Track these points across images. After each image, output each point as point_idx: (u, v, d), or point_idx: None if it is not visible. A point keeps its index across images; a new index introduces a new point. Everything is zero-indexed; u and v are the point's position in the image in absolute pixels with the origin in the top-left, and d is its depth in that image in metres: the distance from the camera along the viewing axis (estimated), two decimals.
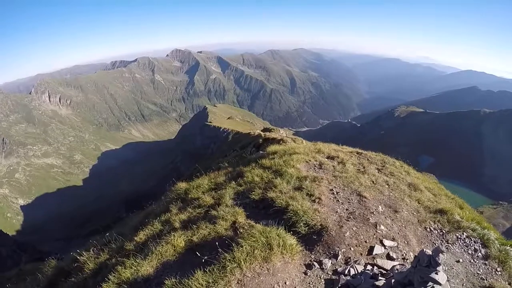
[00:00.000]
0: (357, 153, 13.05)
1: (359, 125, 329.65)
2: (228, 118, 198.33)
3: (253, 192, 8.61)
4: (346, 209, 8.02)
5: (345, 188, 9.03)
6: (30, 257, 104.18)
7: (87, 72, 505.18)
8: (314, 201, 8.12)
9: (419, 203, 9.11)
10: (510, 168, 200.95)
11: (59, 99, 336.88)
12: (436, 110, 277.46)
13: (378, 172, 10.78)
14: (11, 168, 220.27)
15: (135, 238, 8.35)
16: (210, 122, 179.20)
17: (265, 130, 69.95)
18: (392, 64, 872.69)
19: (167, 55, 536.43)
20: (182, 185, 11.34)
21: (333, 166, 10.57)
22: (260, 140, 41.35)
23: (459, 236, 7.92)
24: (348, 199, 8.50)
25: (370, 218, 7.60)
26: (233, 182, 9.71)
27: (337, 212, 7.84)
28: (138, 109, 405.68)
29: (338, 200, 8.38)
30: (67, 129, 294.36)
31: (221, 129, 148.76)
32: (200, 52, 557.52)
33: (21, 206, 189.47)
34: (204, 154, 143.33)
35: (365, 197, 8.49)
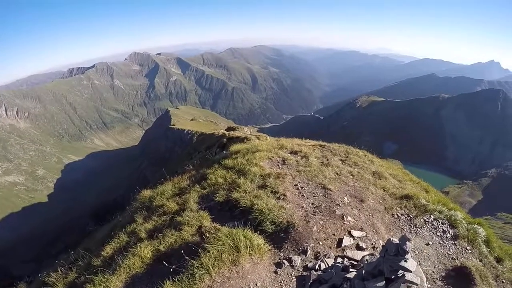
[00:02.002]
0: (320, 146, 13.06)
1: (322, 118, 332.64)
2: (191, 119, 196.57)
3: (217, 194, 8.43)
4: (312, 204, 7.95)
5: (310, 182, 8.97)
6: (1, 281, 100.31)
7: (44, 82, 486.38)
8: (279, 198, 8.02)
9: (385, 191, 9.18)
10: (471, 149, 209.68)
11: (17, 112, 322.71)
12: (397, 98, 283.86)
13: (342, 164, 10.80)
14: None
15: (102, 253, 8.08)
16: (173, 125, 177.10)
17: (229, 129, 69.60)
18: (351, 56, 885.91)
19: (126, 59, 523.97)
20: (146, 193, 11.06)
21: (297, 161, 10.52)
22: (225, 140, 41.14)
23: (427, 220, 8.05)
24: (313, 193, 8.45)
25: (336, 210, 7.58)
26: (197, 186, 9.50)
27: (303, 207, 7.77)
28: (99, 117, 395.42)
29: (303, 195, 8.32)
30: (27, 143, 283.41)
31: (185, 131, 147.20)
32: (159, 54, 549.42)
33: None
34: (170, 158, 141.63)
35: (330, 190, 8.47)
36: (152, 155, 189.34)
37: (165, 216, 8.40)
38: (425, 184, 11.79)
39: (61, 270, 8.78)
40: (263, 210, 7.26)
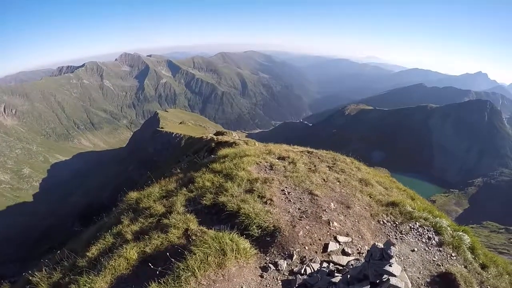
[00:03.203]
0: (308, 152, 13.17)
1: (311, 124, 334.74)
2: (180, 123, 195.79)
3: (204, 198, 8.46)
4: (299, 209, 8.02)
5: (297, 188, 9.04)
6: None
7: (32, 79, 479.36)
8: (265, 202, 8.08)
9: (371, 197, 9.30)
10: (458, 158, 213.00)
11: (4, 108, 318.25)
12: (385, 107, 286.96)
13: (329, 170, 10.91)
14: None
15: (87, 254, 8.02)
16: (162, 127, 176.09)
17: (217, 133, 69.26)
18: (342, 65, 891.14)
19: (116, 60, 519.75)
20: (133, 194, 11.00)
21: (284, 167, 10.59)
22: (213, 144, 40.98)
23: (412, 226, 8.19)
24: (300, 198, 8.52)
25: (322, 216, 7.66)
26: (184, 189, 9.51)
27: (289, 212, 7.83)
28: (87, 117, 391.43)
29: (290, 200, 8.38)
30: (13, 141, 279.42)
31: (173, 135, 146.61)
32: (150, 56, 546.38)
33: None
34: (158, 161, 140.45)
35: (317, 195, 8.55)
36: (140, 158, 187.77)
37: (151, 218, 8.37)
38: (411, 192, 11.98)
39: (45, 270, 8.67)
40: (250, 214, 7.30)
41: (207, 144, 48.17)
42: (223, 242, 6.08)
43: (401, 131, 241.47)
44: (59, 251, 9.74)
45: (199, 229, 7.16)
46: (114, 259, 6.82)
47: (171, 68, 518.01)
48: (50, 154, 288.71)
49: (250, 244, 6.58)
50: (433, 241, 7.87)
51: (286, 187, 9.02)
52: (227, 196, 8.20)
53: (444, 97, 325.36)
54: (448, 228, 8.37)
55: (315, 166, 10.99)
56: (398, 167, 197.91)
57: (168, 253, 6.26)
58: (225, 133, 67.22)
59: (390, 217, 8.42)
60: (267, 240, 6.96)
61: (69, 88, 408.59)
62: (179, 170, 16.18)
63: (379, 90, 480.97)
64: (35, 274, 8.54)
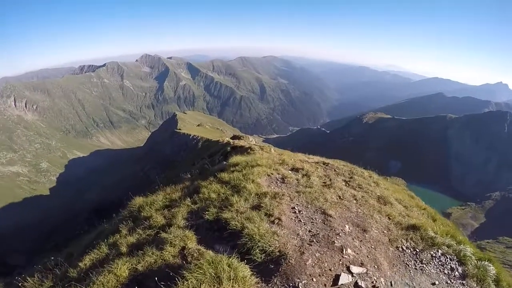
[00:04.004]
0: (324, 163, 12.33)
1: (328, 131, 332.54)
2: (198, 125, 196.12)
3: (207, 212, 7.75)
4: (309, 231, 7.14)
5: (309, 206, 8.22)
6: None
7: (54, 76, 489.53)
8: (273, 222, 7.27)
9: (390, 219, 8.45)
10: (476, 170, 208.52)
11: (25, 103, 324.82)
12: (404, 116, 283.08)
13: (346, 185, 10.08)
14: None
15: (80, 264, 7.54)
16: (180, 129, 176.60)
17: (234, 137, 68.95)
18: (361, 72, 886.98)
19: (137, 60, 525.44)
20: (137, 201, 10.46)
21: (297, 180, 9.81)
22: (228, 148, 40.45)
23: (434, 254, 7.30)
24: (312, 218, 7.67)
25: (335, 241, 6.77)
26: (188, 199, 8.85)
27: (298, 234, 6.96)
28: (107, 116, 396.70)
29: (300, 220, 7.54)
30: (33, 135, 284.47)
31: (190, 136, 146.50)
32: (170, 58, 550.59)
33: None
34: (174, 162, 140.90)
35: (331, 216, 7.71)
36: (157, 158, 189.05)
37: (150, 230, 7.79)
38: (431, 210, 11.14)
39: (37, 276, 8.33)
40: (254, 235, 6.49)
41: (223, 147, 47.73)
42: (220, 268, 5.30)
43: (419, 141, 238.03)
44: (52, 257, 9.21)
45: (196, 248, 6.45)
46: (104, 274, 6.27)
47: (191, 70, 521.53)
48: (68, 150, 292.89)
49: (251, 271, 5.70)
50: (456, 272, 6.98)
51: (297, 204, 8.22)
52: (231, 212, 7.48)
53: (463, 107, 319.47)
54: (473, 257, 7.45)
55: (330, 180, 10.17)
56: (415, 177, 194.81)
57: (160, 274, 5.74)
58: (241, 137, 66.80)
59: (410, 243, 7.52)
60: (270, 268, 6.09)
61: (89, 86, 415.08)
62: (189, 175, 15.53)
63: (398, 98, 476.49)
64: (28, 279, 8.15)
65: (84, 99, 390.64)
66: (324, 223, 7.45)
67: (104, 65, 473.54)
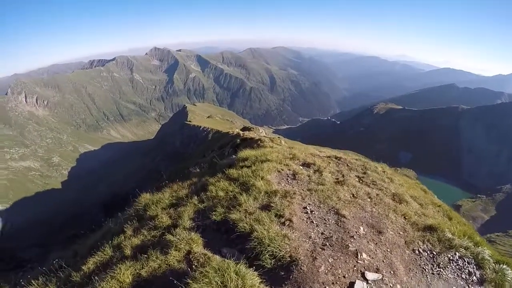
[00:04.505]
0: (336, 158, 11.86)
1: (338, 122, 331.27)
2: (208, 117, 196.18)
3: (214, 212, 7.39)
4: (322, 233, 6.69)
5: (321, 205, 7.75)
6: (7, 265, 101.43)
7: (64, 72, 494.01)
8: (283, 224, 6.82)
9: (406, 219, 7.99)
10: (487, 162, 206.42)
11: (36, 99, 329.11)
12: (415, 107, 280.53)
13: (359, 182, 9.61)
14: None
15: (83, 268, 7.38)
16: (190, 121, 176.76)
17: (244, 129, 68.74)
18: (371, 62, 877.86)
19: (146, 54, 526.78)
20: (143, 198, 10.18)
21: (309, 176, 9.35)
22: (238, 140, 40.16)
23: (451, 258, 6.85)
24: (324, 219, 7.21)
25: (350, 245, 6.30)
26: (195, 197, 8.50)
27: (310, 237, 6.53)
28: (117, 109, 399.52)
29: (313, 221, 7.08)
30: (45, 130, 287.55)
31: (200, 128, 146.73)
32: (179, 50, 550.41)
33: None
34: (184, 154, 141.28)
35: (344, 216, 7.25)
36: (167, 150, 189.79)
37: (155, 231, 7.51)
38: (447, 207, 10.74)
39: (41, 280, 8.17)
40: (263, 239, 6.06)
41: (232, 139, 47.51)
42: (226, 276, 4.92)
43: (430, 132, 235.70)
44: (55, 260, 9.02)
45: (202, 253, 6.09)
46: (107, 280, 6.03)
47: (200, 62, 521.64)
48: (79, 144, 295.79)
49: (260, 278, 5.28)
50: (474, 277, 6.55)
51: (309, 203, 7.75)
52: (239, 212, 7.09)
53: (476, 98, 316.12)
54: (491, 260, 7.00)
55: (343, 176, 9.70)
56: (425, 169, 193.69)
57: (164, 281, 5.50)
58: (251, 129, 66.62)
59: (427, 245, 7.06)
60: (280, 275, 5.64)
61: (99, 80, 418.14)
62: (197, 170, 15.19)
63: (409, 89, 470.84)
64: (32, 282, 7.96)
65: (94, 93, 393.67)
66: (338, 225, 7.01)
67: (114, 59, 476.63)
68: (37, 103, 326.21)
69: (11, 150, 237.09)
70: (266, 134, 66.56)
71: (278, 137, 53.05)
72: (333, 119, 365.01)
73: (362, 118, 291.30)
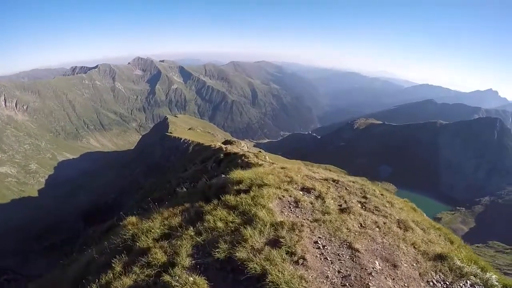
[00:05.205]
0: (333, 181, 11.34)
1: (319, 137, 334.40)
2: (189, 129, 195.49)
3: (217, 248, 6.50)
4: (339, 272, 6.10)
5: (332, 239, 7.14)
6: None
7: (46, 77, 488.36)
8: (297, 262, 6.10)
9: (415, 249, 7.61)
10: (465, 176, 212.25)
11: (16, 103, 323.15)
12: (394, 122, 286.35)
13: (363, 208, 9.13)
14: None
15: None
16: (171, 132, 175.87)
17: (226, 142, 68.58)
18: (352, 78, 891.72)
19: (129, 63, 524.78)
20: (131, 224, 9.50)
21: (312, 204, 8.75)
22: (221, 155, 39.82)
23: (463, 286, 6.60)
24: (338, 255, 6.62)
25: (369, 283, 5.73)
26: (191, 228, 7.60)
27: (328, 277, 5.90)
28: (97, 118, 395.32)
29: (327, 258, 6.45)
30: (23, 136, 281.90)
31: (181, 140, 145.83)
32: (162, 61, 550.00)
33: None
34: (164, 166, 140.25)
35: (358, 250, 6.69)
36: (147, 161, 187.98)
37: (149, 270, 6.54)
38: (446, 230, 10.40)
39: None
40: (279, 283, 5.29)
41: (215, 153, 47.12)
42: None
43: (410, 147, 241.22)
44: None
45: None
46: None
47: (183, 74, 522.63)
48: (58, 152, 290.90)
49: None
50: None
51: (319, 237, 7.11)
52: (246, 249, 6.29)
53: (454, 114, 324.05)
54: (499, 285, 6.78)
55: (346, 202, 9.18)
56: (405, 182, 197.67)
57: None
58: (233, 142, 66.36)
59: (439, 276, 6.71)
60: None
61: (81, 88, 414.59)
62: (184, 189, 14.50)
63: (389, 104, 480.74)
64: None
65: (75, 100, 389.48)
66: (353, 260, 6.43)
67: (96, 67, 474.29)
68: (16, 107, 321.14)
69: None
70: (248, 148, 66.44)
71: (260, 151, 52.81)
72: (314, 134, 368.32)
73: (342, 133, 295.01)
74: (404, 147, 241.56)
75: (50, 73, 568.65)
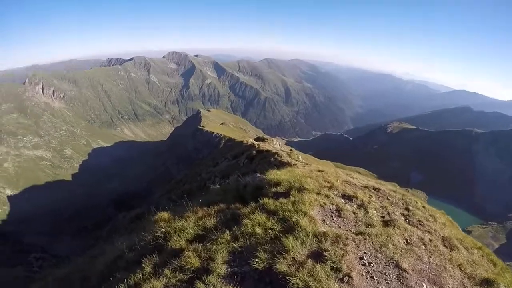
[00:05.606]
0: (374, 189, 10.76)
1: (351, 138, 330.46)
2: (221, 123, 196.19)
3: (255, 258, 6.04)
4: None
5: (378, 255, 6.62)
6: (12, 249, 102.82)
7: (82, 67, 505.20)
8: (342, 280, 5.60)
9: (462, 271, 7.09)
10: (500, 188, 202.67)
11: (53, 92, 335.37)
12: (428, 127, 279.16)
13: (406, 222, 8.61)
14: (0, 157, 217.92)
15: None
16: (203, 126, 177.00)
17: (258, 139, 68.45)
18: (386, 80, 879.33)
19: (164, 57, 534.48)
20: (163, 220, 9.33)
21: (354, 213, 8.27)
22: (254, 152, 39.57)
23: None
24: (385, 274, 6.13)
25: None
26: (227, 232, 7.12)
27: None
28: (132, 108, 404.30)
29: (373, 277, 5.96)
30: (59, 122, 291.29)
31: (213, 134, 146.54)
32: (197, 56, 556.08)
33: (8, 196, 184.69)
34: (196, 158, 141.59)
35: (405, 270, 6.24)
36: (179, 153, 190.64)
37: (181, 274, 6.12)
38: (487, 250, 9.79)
39: None
40: None
41: (247, 150, 46.90)
42: None
43: (443, 154, 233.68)
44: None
45: None
46: None
47: (217, 69, 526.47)
48: (92, 139, 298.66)
49: None
50: None
51: (365, 253, 6.58)
52: (287, 260, 5.80)
53: (490, 122, 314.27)
54: None
55: (389, 213, 8.66)
56: (436, 191, 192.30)
57: None
58: (265, 139, 66.07)
59: None
60: None
61: (116, 79, 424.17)
62: (218, 186, 14.20)
63: (423, 109, 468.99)
64: None
65: (111, 91, 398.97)
66: (400, 281, 5.95)
67: (132, 59, 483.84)
68: (53, 95, 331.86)
69: (24, 138, 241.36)
70: (280, 146, 66.01)
71: (291, 150, 52.35)
72: (346, 135, 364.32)
73: (375, 136, 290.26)
74: (437, 154, 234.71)
75: (86, 63, 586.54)
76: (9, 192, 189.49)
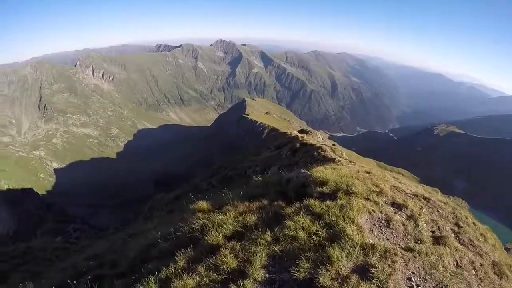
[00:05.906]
0: (424, 198, 10.08)
1: (396, 138, 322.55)
2: (266, 113, 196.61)
3: (296, 266, 5.61)
4: None
5: (427, 277, 5.98)
6: (55, 218, 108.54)
7: (132, 52, 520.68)
8: None
9: None
10: None
11: (102, 74, 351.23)
12: (477, 133, 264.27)
13: (457, 240, 7.96)
14: (50, 132, 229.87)
15: None
16: (247, 114, 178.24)
17: (302, 131, 68.31)
18: (435, 80, 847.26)
19: (211, 45, 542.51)
20: (201, 209, 9.23)
21: (403, 225, 7.63)
22: (297, 144, 39.25)
23: None
24: None
25: None
26: (268, 232, 6.73)
27: None
28: (178, 93, 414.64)
29: None
30: (107, 103, 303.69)
31: (257, 123, 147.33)
32: (244, 45, 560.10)
33: (54, 169, 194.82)
34: (238, 146, 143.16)
35: None
36: (222, 139, 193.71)
37: (215, 274, 5.86)
38: None
39: None
40: None
41: (290, 141, 46.70)
42: None
43: (491, 164, 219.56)
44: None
45: None
46: None
47: (264, 59, 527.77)
48: (138, 121, 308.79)
49: None
50: None
51: (413, 272, 5.95)
52: (330, 273, 5.33)
53: None
54: None
55: (439, 229, 7.96)
56: (480, 202, 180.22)
57: None
58: (309, 132, 65.67)
59: None
60: None
61: (164, 64, 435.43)
62: (260, 178, 13.79)
63: (473, 113, 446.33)
64: None
65: (158, 75, 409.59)
66: None
67: (180, 46, 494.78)
68: (103, 77, 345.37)
69: (73, 116, 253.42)
70: (323, 140, 65.28)
71: (334, 144, 51.59)
72: (391, 134, 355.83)
73: (420, 137, 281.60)
74: (485, 162, 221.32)
75: (136, 49, 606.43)
76: (56, 165, 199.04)
